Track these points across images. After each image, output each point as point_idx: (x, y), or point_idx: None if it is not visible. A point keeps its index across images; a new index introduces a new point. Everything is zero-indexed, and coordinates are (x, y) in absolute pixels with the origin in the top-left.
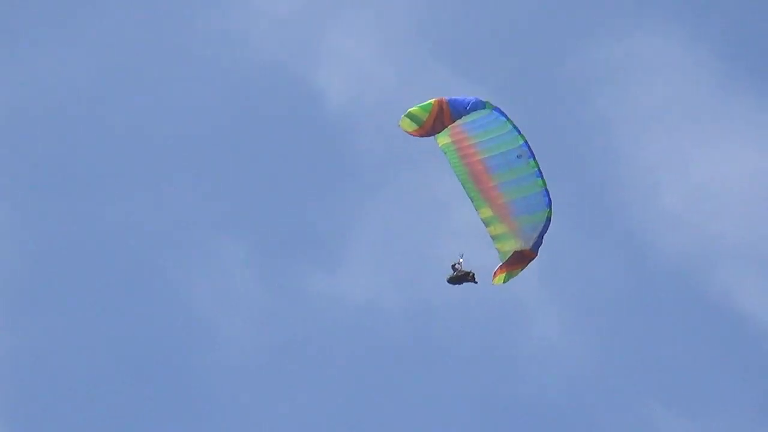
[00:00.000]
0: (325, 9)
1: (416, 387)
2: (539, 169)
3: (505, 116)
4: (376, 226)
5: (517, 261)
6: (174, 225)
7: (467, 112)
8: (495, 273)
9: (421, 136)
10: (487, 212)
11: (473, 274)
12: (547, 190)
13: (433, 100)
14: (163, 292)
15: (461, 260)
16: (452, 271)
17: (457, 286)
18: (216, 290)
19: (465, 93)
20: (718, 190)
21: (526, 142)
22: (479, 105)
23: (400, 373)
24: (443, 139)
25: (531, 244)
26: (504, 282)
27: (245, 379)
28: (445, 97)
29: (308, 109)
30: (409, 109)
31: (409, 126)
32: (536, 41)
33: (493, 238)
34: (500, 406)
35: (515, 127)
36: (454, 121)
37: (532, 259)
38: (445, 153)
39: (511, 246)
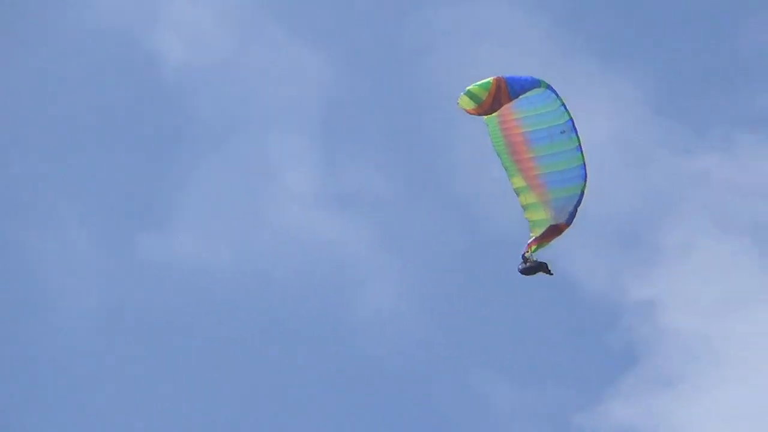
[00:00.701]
0: None
1: (247, 353)
2: (580, 145)
3: (557, 95)
4: (210, 189)
5: (551, 233)
6: (7, 186)
7: (524, 91)
8: (529, 245)
9: (479, 114)
10: (520, 182)
11: (547, 265)
12: (585, 165)
13: (491, 78)
14: None
15: (531, 250)
16: (522, 261)
17: (530, 277)
18: (49, 252)
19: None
20: None
21: (571, 119)
22: (535, 83)
23: (231, 338)
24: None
25: (566, 216)
26: (534, 252)
27: (79, 341)
28: (503, 76)
29: (143, 72)
30: (468, 87)
31: (468, 104)
32: (376, 4)
33: (524, 207)
34: (333, 375)
35: (563, 105)
36: (511, 100)
37: (565, 230)
38: (487, 124)
39: (541, 215)
